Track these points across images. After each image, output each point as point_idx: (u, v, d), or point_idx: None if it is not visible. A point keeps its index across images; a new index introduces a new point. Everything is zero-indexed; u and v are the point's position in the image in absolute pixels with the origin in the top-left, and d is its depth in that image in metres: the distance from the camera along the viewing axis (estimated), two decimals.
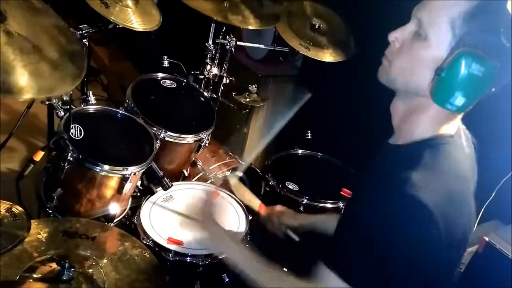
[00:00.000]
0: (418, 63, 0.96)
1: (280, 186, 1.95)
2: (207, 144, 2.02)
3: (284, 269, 1.13)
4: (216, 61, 2.20)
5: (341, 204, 1.92)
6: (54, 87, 1.21)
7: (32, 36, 1.22)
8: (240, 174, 1.82)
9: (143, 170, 1.64)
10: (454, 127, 1.04)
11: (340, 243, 1.02)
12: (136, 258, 1.33)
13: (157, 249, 1.51)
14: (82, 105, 1.80)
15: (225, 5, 1.99)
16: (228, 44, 2.16)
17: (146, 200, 1.70)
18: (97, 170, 1.54)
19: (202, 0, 1.94)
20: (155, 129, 1.80)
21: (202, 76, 2.17)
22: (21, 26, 1.20)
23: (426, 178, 0.92)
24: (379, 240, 0.90)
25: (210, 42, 2.17)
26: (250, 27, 2.04)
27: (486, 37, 0.90)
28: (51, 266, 1.20)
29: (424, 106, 1.00)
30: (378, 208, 0.92)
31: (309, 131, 2.28)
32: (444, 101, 0.93)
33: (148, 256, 1.35)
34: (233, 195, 1.83)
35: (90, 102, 1.80)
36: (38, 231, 1.31)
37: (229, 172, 2.07)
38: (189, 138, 1.90)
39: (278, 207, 1.59)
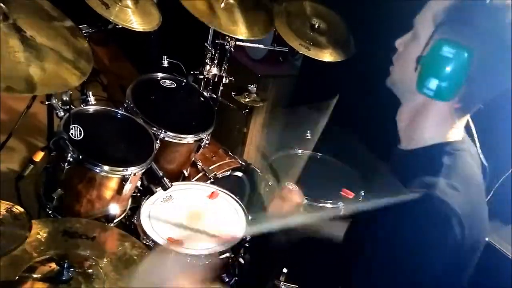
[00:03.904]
0: (412, 62, 0.99)
1: (280, 186, 1.95)
2: (207, 144, 2.02)
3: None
4: (215, 61, 2.19)
5: (341, 204, 1.92)
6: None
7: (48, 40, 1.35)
8: None
9: (143, 170, 1.64)
10: (461, 133, 1.05)
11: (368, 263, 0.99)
12: (135, 258, 1.32)
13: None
14: (82, 105, 1.80)
15: (220, 5, 1.99)
16: (228, 44, 2.16)
17: (146, 200, 1.70)
18: (97, 170, 1.54)
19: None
20: (154, 129, 1.80)
21: (201, 76, 2.17)
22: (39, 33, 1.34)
23: (452, 184, 0.93)
24: (409, 249, 0.90)
25: (210, 42, 2.17)
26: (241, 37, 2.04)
27: (460, 23, 0.93)
28: (50, 266, 1.20)
29: (426, 105, 1.01)
30: (404, 212, 0.91)
31: (309, 131, 2.28)
32: (421, 87, 0.96)
33: None
34: (232, 195, 1.83)
35: (90, 103, 1.80)
36: (37, 231, 1.31)
37: (228, 173, 2.07)
38: (189, 138, 1.90)
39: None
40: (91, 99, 1.81)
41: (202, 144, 1.97)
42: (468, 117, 1.05)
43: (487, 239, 1.68)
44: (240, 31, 2.03)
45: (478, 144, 1.10)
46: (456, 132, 1.03)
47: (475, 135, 1.10)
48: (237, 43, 2.21)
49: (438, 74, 0.93)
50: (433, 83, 0.94)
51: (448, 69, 0.92)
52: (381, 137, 1.36)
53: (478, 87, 0.95)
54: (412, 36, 1.02)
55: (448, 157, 0.99)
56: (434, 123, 1.02)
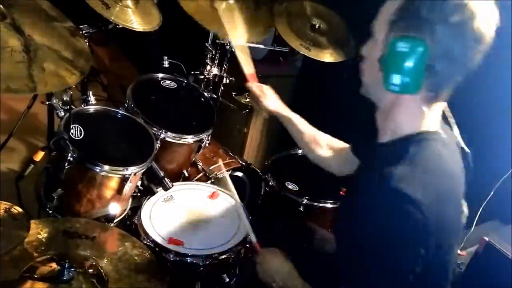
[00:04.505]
0: (375, 64, 1.03)
1: (280, 186, 1.95)
2: (207, 144, 2.02)
3: None
4: (216, 61, 2.19)
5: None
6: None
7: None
8: None
9: (143, 170, 1.64)
10: (437, 123, 1.07)
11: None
12: (136, 258, 1.33)
13: (157, 249, 1.52)
14: (82, 105, 1.80)
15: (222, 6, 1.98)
16: (228, 44, 2.16)
17: (147, 200, 1.70)
18: (97, 170, 1.54)
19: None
20: (155, 129, 1.80)
21: (202, 77, 2.17)
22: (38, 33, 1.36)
23: (411, 172, 0.95)
24: (370, 240, 0.93)
25: (210, 42, 2.17)
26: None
27: (409, 18, 0.97)
28: (51, 266, 1.20)
29: (396, 102, 1.05)
30: (366, 205, 0.95)
31: None
32: (387, 84, 0.99)
33: (148, 256, 1.35)
34: (233, 195, 1.83)
35: (90, 102, 1.80)
36: (38, 231, 1.31)
37: (229, 173, 2.07)
38: (189, 139, 1.90)
39: (263, 89, 1.65)
40: (92, 99, 1.82)
41: (202, 144, 1.97)
42: (442, 106, 1.07)
43: (487, 238, 1.70)
44: (239, 34, 2.01)
45: (456, 130, 1.13)
46: (430, 122, 1.05)
47: (452, 122, 1.14)
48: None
49: (399, 69, 0.96)
50: (396, 79, 0.97)
51: (406, 63, 0.95)
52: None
53: (438, 74, 0.97)
54: (372, 41, 1.06)
55: (414, 146, 1.00)
56: (407, 113, 1.04)
